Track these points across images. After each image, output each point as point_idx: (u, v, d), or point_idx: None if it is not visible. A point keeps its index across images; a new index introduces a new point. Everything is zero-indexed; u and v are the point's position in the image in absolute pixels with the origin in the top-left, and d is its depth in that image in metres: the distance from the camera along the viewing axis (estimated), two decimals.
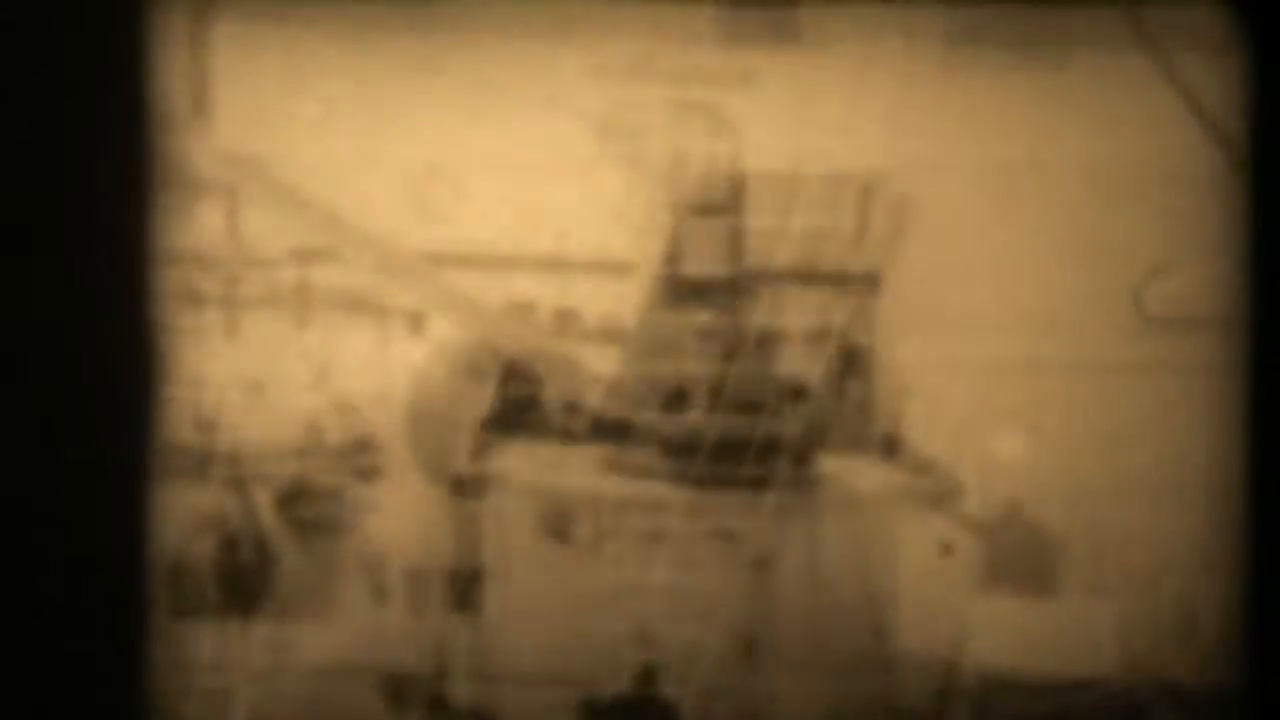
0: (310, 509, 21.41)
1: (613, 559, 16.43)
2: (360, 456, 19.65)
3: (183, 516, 20.51)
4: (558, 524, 16.23)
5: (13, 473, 4.02)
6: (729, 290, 19.02)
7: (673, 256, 19.24)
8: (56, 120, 3.94)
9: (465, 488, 18.33)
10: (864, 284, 24.57)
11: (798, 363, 21.66)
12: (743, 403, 18.01)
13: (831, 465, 18.96)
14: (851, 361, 24.09)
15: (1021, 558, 19.82)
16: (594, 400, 18.25)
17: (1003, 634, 16.19)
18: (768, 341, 18.93)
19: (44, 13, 3.95)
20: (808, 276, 24.70)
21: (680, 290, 19.09)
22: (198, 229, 22.93)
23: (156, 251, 4.17)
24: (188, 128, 19.63)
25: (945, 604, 17.94)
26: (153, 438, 4.20)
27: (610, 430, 18.08)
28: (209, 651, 17.24)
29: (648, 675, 15.25)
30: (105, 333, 4.02)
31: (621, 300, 22.50)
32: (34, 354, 4.00)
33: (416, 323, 22.71)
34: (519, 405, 23.45)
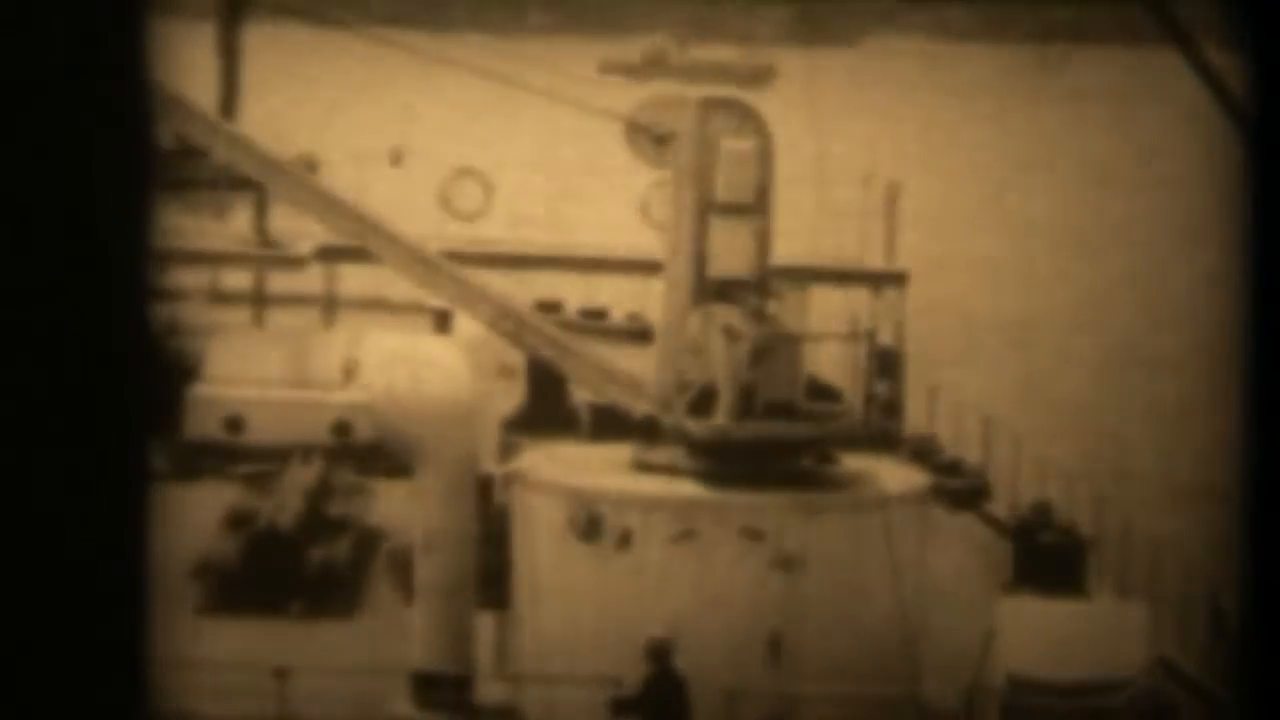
0: (338, 508, 21.13)
1: (640, 558, 16.31)
2: (388, 455, 19.43)
3: (211, 514, 20.31)
4: (586, 523, 16.09)
5: (13, 472, 3.98)
6: (757, 290, 18.76)
7: (700, 256, 19.03)
8: (58, 121, 3.90)
9: (493, 487, 18.09)
10: (892, 284, 24.31)
11: (826, 362, 21.32)
12: (771, 403, 17.80)
13: (860, 466, 18.64)
14: (880, 361, 23.80)
15: (1049, 559, 19.46)
16: (621, 399, 17.99)
17: (1031, 635, 15.99)
18: (796, 341, 18.68)
19: (47, 18, 3.92)
20: (836, 276, 24.42)
21: (708, 290, 18.86)
22: (226, 228, 22.77)
23: (156, 251, 4.12)
24: (217, 129, 19.50)
25: (974, 604, 17.71)
26: (152, 436, 4.13)
27: (638, 429, 17.84)
28: (237, 648, 17.08)
29: (661, 650, 15.11)
30: (104, 332, 3.97)
31: (649, 300, 22.15)
32: (33, 353, 3.95)
33: (444, 322, 22.41)
34: (547, 404, 23.10)
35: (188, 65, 24.70)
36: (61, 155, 4.08)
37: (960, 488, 21.62)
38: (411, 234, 18.30)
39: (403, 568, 16.42)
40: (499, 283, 19.04)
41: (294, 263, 25.02)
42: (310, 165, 24.34)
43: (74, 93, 4.11)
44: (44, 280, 4.11)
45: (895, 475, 16.92)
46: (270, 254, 24.93)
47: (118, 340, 4.18)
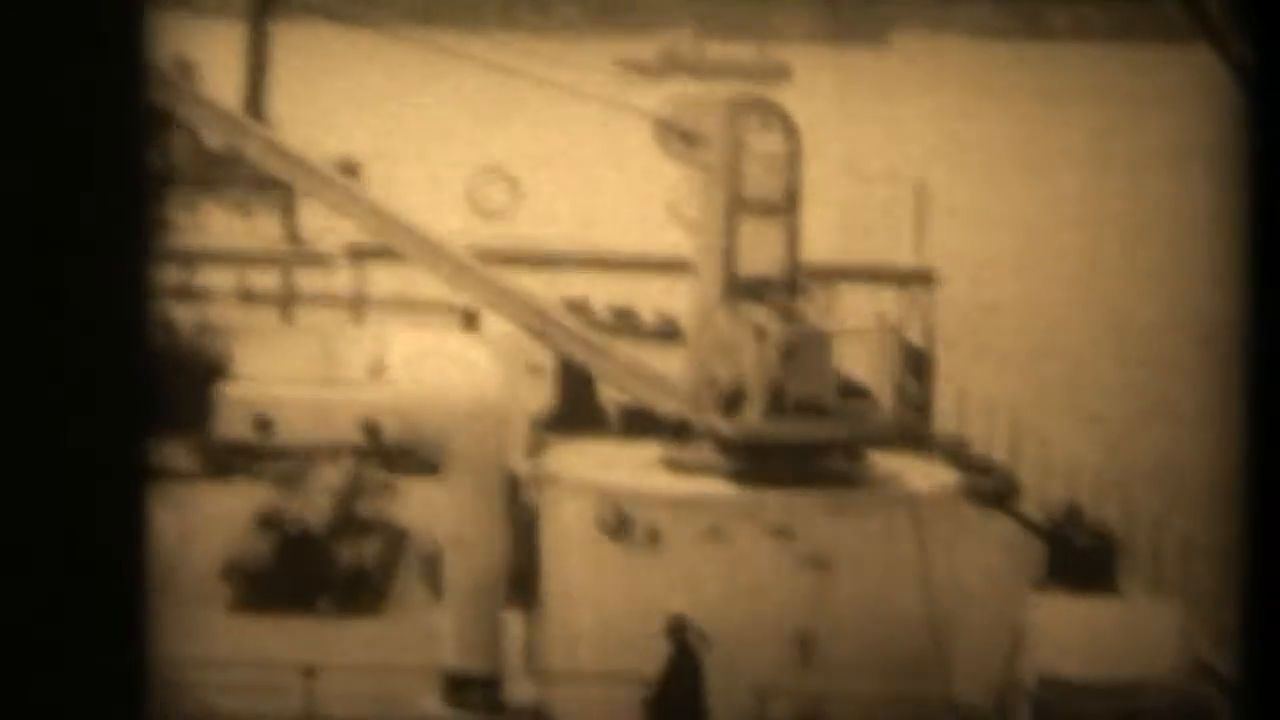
0: (367, 506, 21.15)
1: (669, 556, 16.22)
2: (417, 454, 19.40)
3: (240, 513, 20.36)
4: (615, 522, 16.04)
5: (11, 471, 3.95)
6: (786, 289, 18.68)
7: (729, 255, 18.98)
8: (57, 124, 3.88)
9: (522, 485, 18.03)
10: (921, 282, 24.27)
11: (856, 362, 21.28)
12: (801, 401, 17.70)
13: (890, 465, 18.57)
14: (910, 360, 23.74)
15: (1081, 559, 19.36)
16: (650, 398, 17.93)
17: (1062, 634, 15.88)
18: (825, 339, 18.60)
19: (45, 22, 3.90)
20: (865, 275, 24.37)
21: (737, 288, 18.80)
22: (255, 228, 22.83)
23: (153, 252, 4.10)
24: (247, 129, 19.52)
25: (1004, 604, 17.59)
26: (150, 436, 4.11)
27: (667, 428, 17.78)
28: (266, 647, 17.04)
29: (679, 627, 15.09)
30: (102, 331, 3.94)
31: (678, 299, 22.09)
32: (31, 354, 3.93)
33: (471, 321, 22.41)
34: (575, 403, 23.11)
35: (217, 64, 24.80)
36: (57, 149, 4.06)
37: (990, 487, 21.53)
38: (439, 233, 18.28)
39: (432, 566, 16.40)
40: (527, 282, 19.02)
41: (322, 262, 25.04)
42: (350, 168, 24.39)
43: (70, 85, 4.08)
44: (37, 278, 4.09)
45: (925, 474, 16.85)
46: (299, 253, 24.96)
47: (115, 336, 4.16)
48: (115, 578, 4.21)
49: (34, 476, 4.16)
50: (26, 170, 4.14)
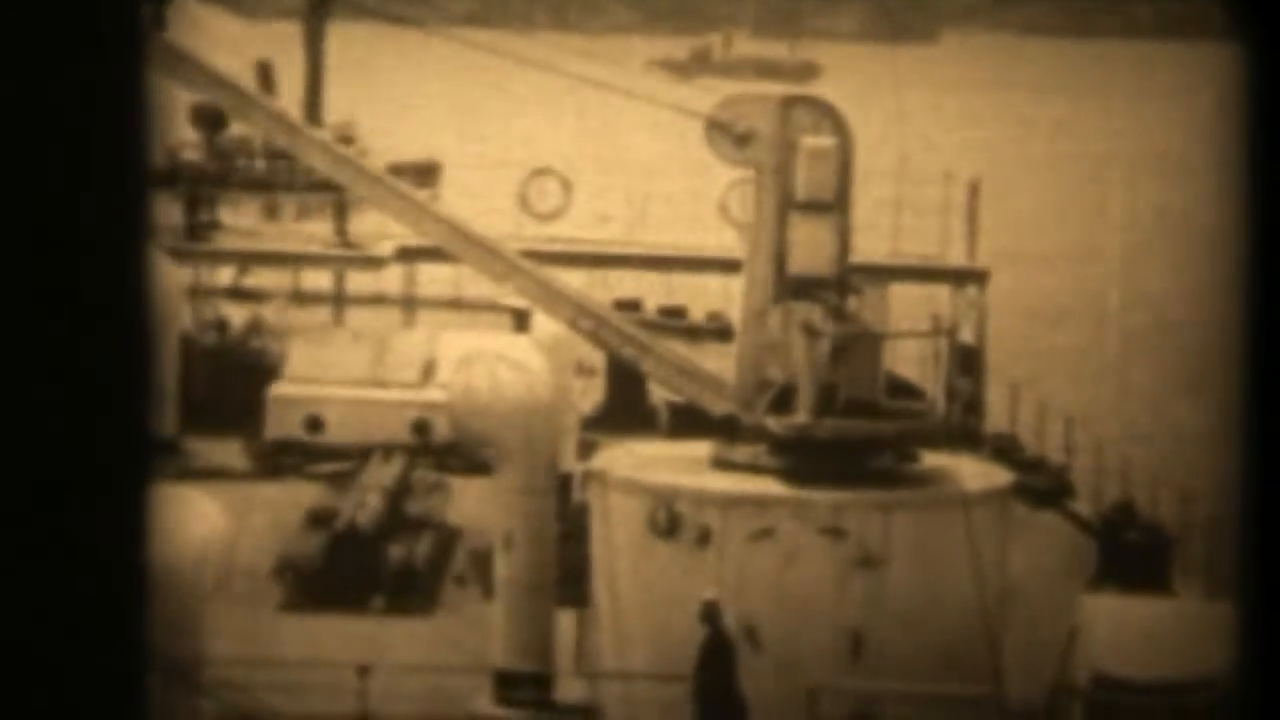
0: (418, 506, 21.16)
1: (720, 556, 16.20)
2: (467, 454, 19.37)
3: (292, 513, 20.36)
4: (666, 521, 16.02)
5: (11, 473, 3.97)
6: (837, 288, 18.60)
7: (780, 254, 18.94)
8: (57, 124, 3.90)
9: (572, 485, 18.03)
10: (973, 281, 24.16)
11: (907, 360, 21.19)
12: (852, 400, 17.63)
13: (941, 463, 18.48)
14: (961, 359, 23.64)
15: (1134, 557, 19.22)
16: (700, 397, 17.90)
17: (1116, 633, 15.79)
18: (876, 339, 18.53)
19: (45, 22, 3.93)
20: (916, 273, 24.30)
21: (788, 288, 18.75)
22: (307, 230, 22.90)
23: (151, 255, 4.12)
24: (299, 131, 19.53)
25: (1057, 602, 17.49)
26: (148, 436, 4.12)
27: (717, 427, 17.76)
28: (318, 646, 17.07)
29: (713, 612, 15.09)
30: (101, 331, 3.96)
31: (729, 298, 22.05)
32: (32, 354, 3.95)
33: (523, 321, 22.40)
34: (626, 403, 23.12)
35: (277, 65, 24.89)
36: (57, 149, 4.09)
37: (1042, 485, 21.43)
38: (491, 234, 18.31)
39: (483, 565, 16.41)
40: (578, 281, 19.02)
41: (374, 263, 25.12)
42: (431, 169, 24.47)
43: (70, 85, 4.10)
44: (37, 278, 4.11)
45: (976, 473, 16.80)
46: (351, 254, 25.04)
47: (115, 335, 4.18)
48: (116, 577, 4.22)
49: (35, 476, 4.18)
50: (26, 170, 4.17)
